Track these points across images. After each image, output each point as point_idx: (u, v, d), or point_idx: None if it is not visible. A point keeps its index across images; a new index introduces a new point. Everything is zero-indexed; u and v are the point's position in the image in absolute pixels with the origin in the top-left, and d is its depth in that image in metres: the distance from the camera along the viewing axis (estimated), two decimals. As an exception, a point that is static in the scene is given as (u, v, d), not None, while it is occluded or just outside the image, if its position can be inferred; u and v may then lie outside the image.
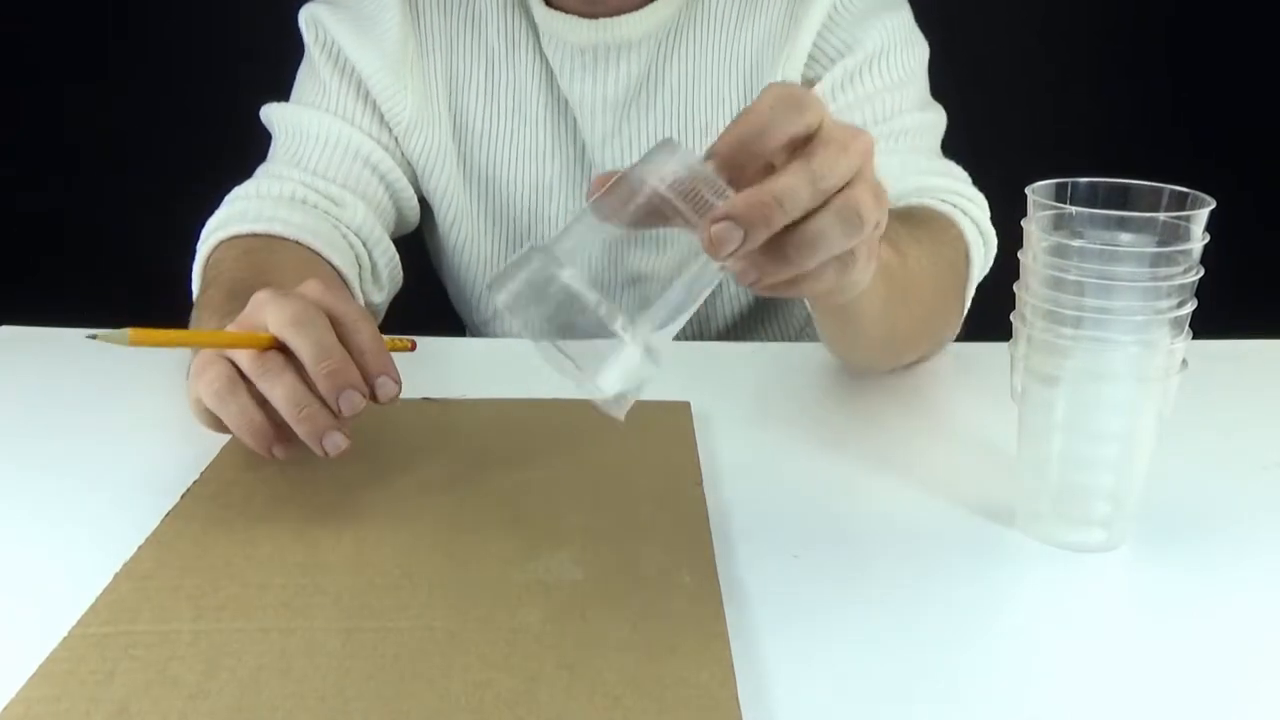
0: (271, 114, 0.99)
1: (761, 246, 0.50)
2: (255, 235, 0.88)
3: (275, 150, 0.98)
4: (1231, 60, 1.97)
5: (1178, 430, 0.63)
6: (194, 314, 0.80)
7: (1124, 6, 1.95)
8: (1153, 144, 1.59)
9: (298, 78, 1.02)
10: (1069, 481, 0.64)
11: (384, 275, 0.97)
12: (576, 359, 0.51)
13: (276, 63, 1.02)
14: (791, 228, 0.51)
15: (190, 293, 0.87)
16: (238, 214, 0.90)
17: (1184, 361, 0.60)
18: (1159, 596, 0.60)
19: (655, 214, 0.51)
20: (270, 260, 0.85)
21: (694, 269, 0.52)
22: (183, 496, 0.65)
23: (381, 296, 0.98)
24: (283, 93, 1.01)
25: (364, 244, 0.95)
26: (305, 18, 1.00)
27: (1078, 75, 1.94)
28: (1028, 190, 0.61)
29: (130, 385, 0.84)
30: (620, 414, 0.52)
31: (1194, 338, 0.60)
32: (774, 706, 0.50)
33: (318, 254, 0.89)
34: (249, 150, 0.99)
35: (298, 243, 0.88)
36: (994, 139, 0.96)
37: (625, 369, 0.51)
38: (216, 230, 0.89)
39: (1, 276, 1.78)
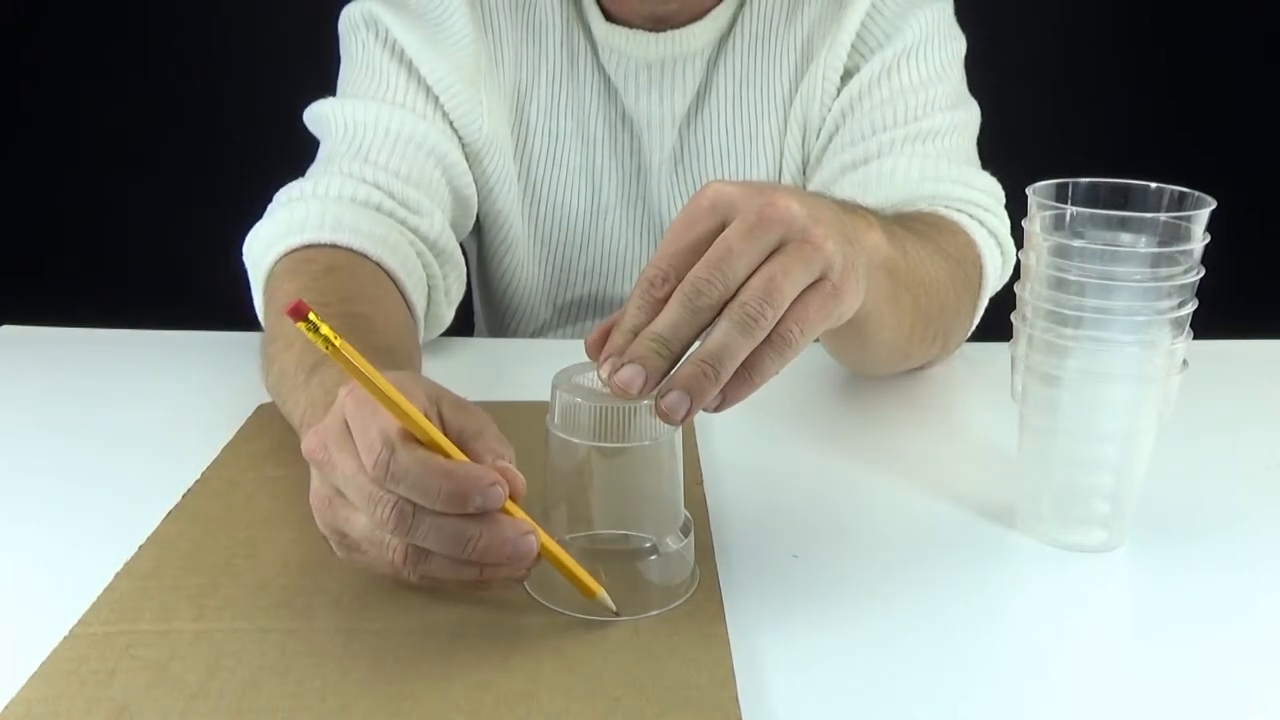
0: (321, 110, 0.90)
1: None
2: (334, 246, 0.78)
3: (332, 147, 0.88)
4: (1233, 60, 1.96)
5: (1178, 430, 0.63)
6: (266, 347, 0.73)
7: (1126, 7, 1.95)
8: (1153, 144, 1.59)
9: (343, 78, 0.94)
10: (1070, 481, 0.64)
11: (454, 291, 0.90)
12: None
13: (282, 62, 1.00)
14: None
15: (195, 293, 0.86)
16: (300, 219, 0.79)
17: (1184, 361, 0.60)
18: (1159, 597, 0.60)
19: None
20: (352, 290, 0.75)
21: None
22: (183, 496, 0.65)
23: (451, 313, 0.90)
24: (288, 91, 0.98)
25: (437, 259, 0.87)
26: (358, 15, 0.91)
27: (1079, 76, 1.94)
28: (1029, 190, 0.61)
29: (131, 385, 0.84)
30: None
31: (1194, 338, 0.60)
32: (774, 706, 0.50)
33: (394, 280, 0.79)
34: (251, 151, 0.99)
35: (377, 264, 0.79)
36: (995, 139, 0.96)
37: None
38: (286, 236, 0.79)
39: (3, 276, 1.78)
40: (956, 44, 0.95)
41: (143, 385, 0.84)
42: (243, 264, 0.83)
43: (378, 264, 0.79)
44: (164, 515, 0.63)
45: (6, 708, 0.48)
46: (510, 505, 0.51)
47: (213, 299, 1.01)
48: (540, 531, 0.51)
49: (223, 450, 0.71)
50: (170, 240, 1.81)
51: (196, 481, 0.67)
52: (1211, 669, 0.54)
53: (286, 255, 0.79)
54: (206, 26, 1.92)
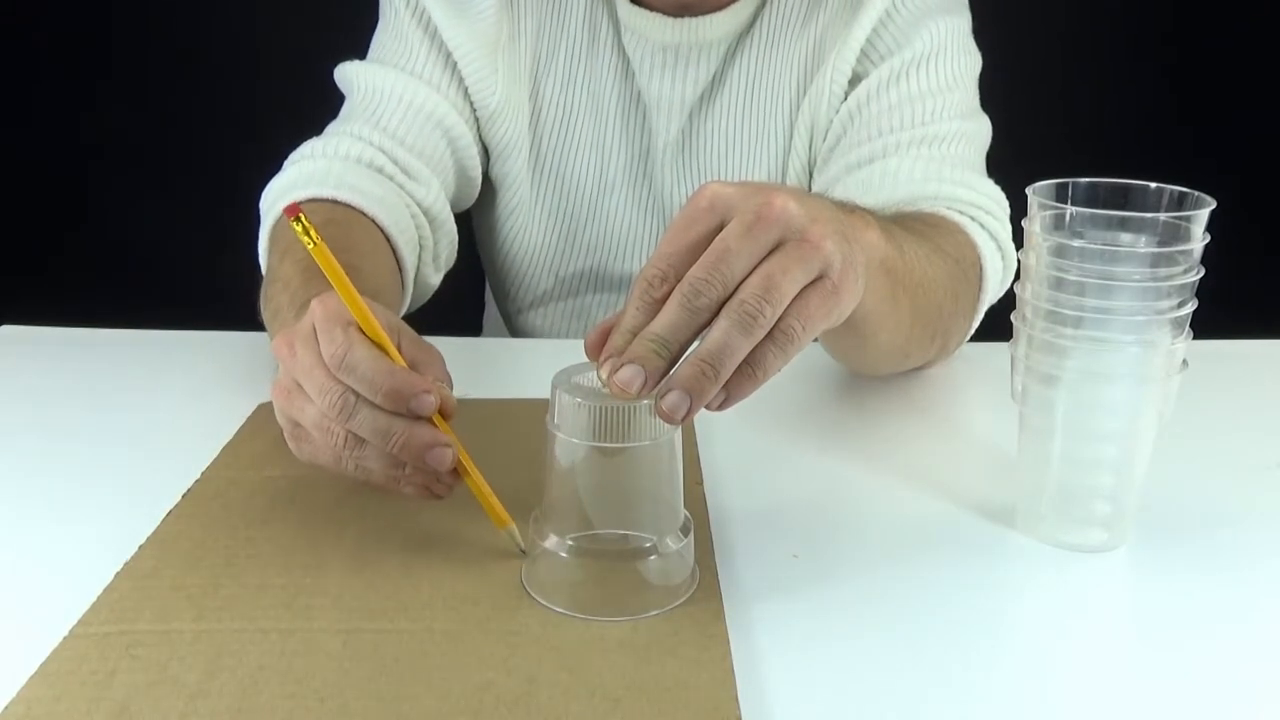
0: (349, 71, 0.96)
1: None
2: (335, 202, 0.84)
3: (351, 108, 0.95)
4: (1232, 60, 1.97)
5: (1178, 430, 0.63)
6: (266, 288, 0.78)
7: (1126, 7, 1.95)
8: (1153, 144, 1.59)
9: (375, 40, 0.99)
10: (1069, 482, 0.64)
11: (443, 258, 0.96)
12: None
13: (284, 62, 1.01)
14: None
15: (195, 293, 0.87)
16: (307, 174, 0.87)
17: (1184, 361, 0.60)
18: (1159, 597, 0.60)
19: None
20: (346, 241, 0.80)
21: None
22: (183, 496, 0.65)
23: (438, 278, 0.96)
24: (289, 92, 0.99)
25: (430, 224, 0.92)
26: None
27: (1079, 76, 1.94)
28: (1029, 190, 0.61)
29: (131, 385, 0.84)
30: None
31: (1194, 338, 0.60)
32: (774, 706, 0.50)
33: (387, 237, 0.85)
34: (252, 152, 0.99)
35: (373, 220, 0.84)
36: (995, 140, 0.96)
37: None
38: (292, 189, 0.86)
39: (3, 276, 1.78)
40: (970, 59, 0.95)
41: (143, 385, 0.84)
42: (243, 262, 0.86)
43: (373, 220, 0.85)
44: (164, 515, 0.63)
45: (6, 708, 0.48)
46: (438, 419, 0.57)
47: (213, 299, 1.02)
48: (462, 451, 0.58)
49: (223, 450, 0.71)
50: (170, 240, 1.81)
51: (196, 481, 0.67)
52: (1211, 669, 0.54)
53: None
54: (207, 26, 1.92)
